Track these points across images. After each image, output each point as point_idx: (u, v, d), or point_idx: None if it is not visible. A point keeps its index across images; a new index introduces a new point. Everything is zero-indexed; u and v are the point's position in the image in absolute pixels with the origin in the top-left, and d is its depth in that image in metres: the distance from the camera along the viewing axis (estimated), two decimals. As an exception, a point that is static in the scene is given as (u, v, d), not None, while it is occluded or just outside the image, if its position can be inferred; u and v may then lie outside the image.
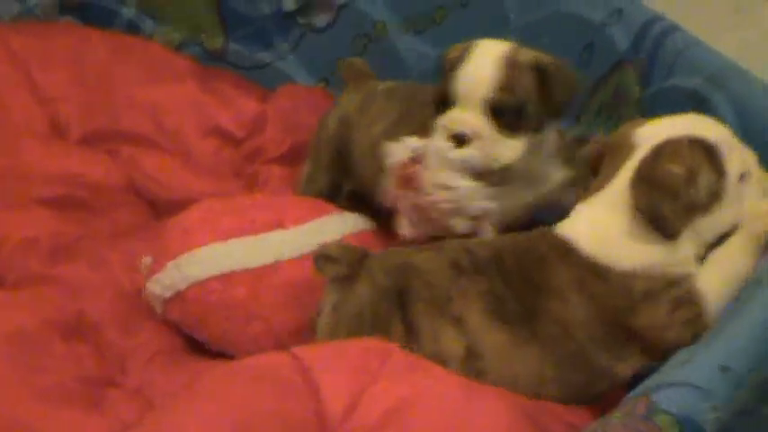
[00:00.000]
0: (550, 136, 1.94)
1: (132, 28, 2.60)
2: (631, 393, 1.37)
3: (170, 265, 1.99)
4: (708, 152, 1.69)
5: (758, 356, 1.42)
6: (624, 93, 2.12)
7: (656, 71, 2.08)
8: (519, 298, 1.73)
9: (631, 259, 1.71)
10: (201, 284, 1.97)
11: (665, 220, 1.67)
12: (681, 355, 1.46)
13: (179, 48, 2.60)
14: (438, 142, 1.87)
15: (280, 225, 2.02)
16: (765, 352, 1.43)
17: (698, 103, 1.97)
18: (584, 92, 2.16)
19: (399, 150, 1.91)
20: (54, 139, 2.39)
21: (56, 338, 1.92)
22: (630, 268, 1.70)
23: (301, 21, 2.56)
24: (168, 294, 1.99)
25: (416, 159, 1.89)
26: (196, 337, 2.01)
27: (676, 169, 1.66)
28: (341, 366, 1.68)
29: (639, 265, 1.70)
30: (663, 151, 1.69)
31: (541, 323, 1.72)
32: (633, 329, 1.69)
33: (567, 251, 1.73)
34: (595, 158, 1.78)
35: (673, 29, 2.09)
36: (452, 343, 1.73)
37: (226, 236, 2.00)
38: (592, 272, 1.72)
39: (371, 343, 1.73)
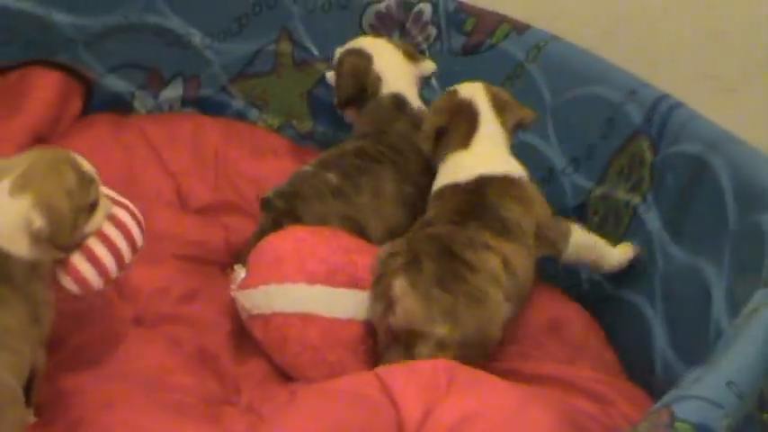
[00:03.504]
0: None
1: (240, 116, 2.61)
2: (654, 407, 1.36)
3: (261, 288, 1.95)
4: None
5: (756, 373, 1.43)
6: (639, 158, 2.11)
7: (664, 140, 2.07)
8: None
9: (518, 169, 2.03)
10: (285, 316, 1.93)
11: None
12: (694, 374, 1.45)
13: (277, 131, 2.60)
14: None
15: (356, 285, 1.95)
16: (761, 370, 1.44)
17: (699, 166, 1.97)
18: (606, 158, 2.17)
19: None
20: (179, 207, 2.41)
21: (182, 366, 1.93)
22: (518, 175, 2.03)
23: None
24: (255, 312, 1.96)
25: None
26: (270, 355, 1.97)
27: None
28: (415, 384, 1.67)
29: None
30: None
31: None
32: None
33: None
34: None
35: (677, 105, 2.09)
36: (493, 260, 1.88)
37: (311, 279, 1.93)
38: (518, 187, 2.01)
39: (440, 362, 1.73)
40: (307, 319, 1.93)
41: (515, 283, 1.91)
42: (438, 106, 2.11)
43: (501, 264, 1.90)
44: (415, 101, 2.31)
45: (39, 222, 1.70)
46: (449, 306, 1.83)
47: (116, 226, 1.82)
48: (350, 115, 2.38)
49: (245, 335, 2.03)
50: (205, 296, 2.13)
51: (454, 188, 2.01)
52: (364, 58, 2.32)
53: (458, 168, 2.04)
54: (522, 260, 1.94)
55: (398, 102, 2.29)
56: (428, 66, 2.39)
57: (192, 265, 2.23)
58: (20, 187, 1.72)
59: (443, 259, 1.85)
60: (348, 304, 1.94)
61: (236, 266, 2.05)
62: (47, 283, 1.80)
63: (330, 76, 2.43)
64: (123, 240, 1.83)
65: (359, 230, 2.09)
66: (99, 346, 1.94)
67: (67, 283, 1.79)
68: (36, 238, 1.71)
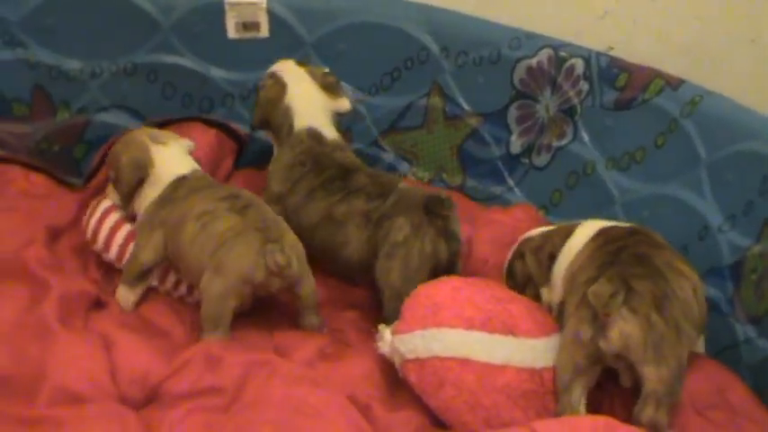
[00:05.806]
0: None
1: (391, 169, 2.64)
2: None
3: (418, 332, 1.96)
4: None
5: None
6: (798, 215, 2.08)
7: (825, 197, 2.03)
8: None
9: None
10: (442, 360, 1.94)
11: None
12: None
13: (428, 183, 2.62)
14: None
15: (511, 332, 1.97)
16: None
17: None
18: (764, 215, 2.13)
19: None
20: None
21: (338, 415, 1.91)
22: None
23: (525, 161, 2.58)
24: (410, 356, 1.96)
25: None
26: (425, 400, 1.97)
27: None
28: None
29: None
30: None
31: None
32: None
33: None
34: None
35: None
36: (688, 288, 1.91)
37: (469, 325, 1.95)
38: None
39: (600, 420, 1.70)
40: (464, 363, 1.94)
41: (700, 314, 1.93)
42: None
43: (693, 292, 1.91)
44: (330, 133, 2.34)
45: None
46: (659, 335, 1.82)
47: None
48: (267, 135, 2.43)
49: (395, 386, 2.03)
50: (354, 348, 2.14)
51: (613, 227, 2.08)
52: (279, 86, 2.35)
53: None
54: (703, 292, 1.97)
55: (314, 135, 2.32)
56: (344, 104, 2.39)
57: (344, 318, 2.26)
58: (154, 141, 2.24)
59: (656, 278, 1.87)
60: (503, 350, 1.95)
61: (380, 326, 2.06)
62: None
63: None
64: None
65: None
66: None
67: None
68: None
